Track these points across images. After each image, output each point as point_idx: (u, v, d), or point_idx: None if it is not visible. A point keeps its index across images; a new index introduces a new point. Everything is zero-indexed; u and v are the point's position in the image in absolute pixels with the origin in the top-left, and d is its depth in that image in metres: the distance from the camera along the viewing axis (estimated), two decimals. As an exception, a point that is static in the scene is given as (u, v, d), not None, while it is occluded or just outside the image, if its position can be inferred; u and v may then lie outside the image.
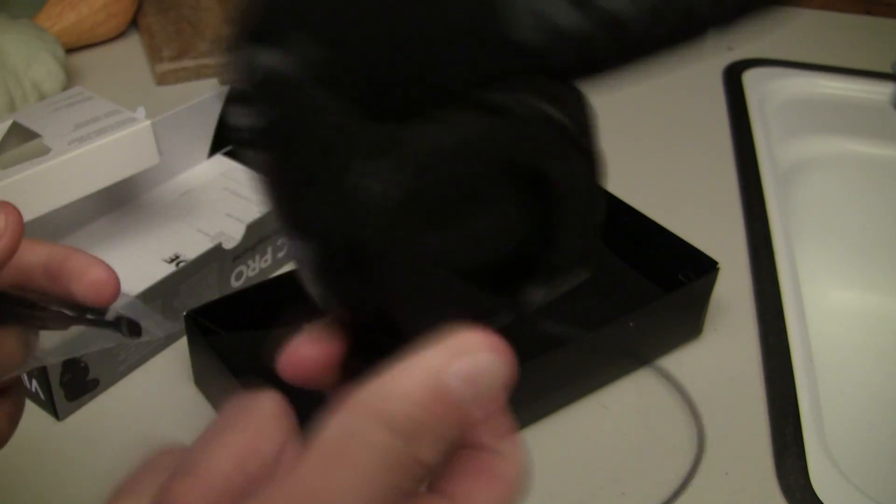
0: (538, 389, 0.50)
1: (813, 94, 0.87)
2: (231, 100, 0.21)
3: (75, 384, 0.50)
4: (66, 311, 0.31)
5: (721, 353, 0.57)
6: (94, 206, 0.62)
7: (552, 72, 0.23)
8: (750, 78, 0.87)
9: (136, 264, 0.59)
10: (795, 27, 0.99)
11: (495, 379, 0.22)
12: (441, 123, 0.22)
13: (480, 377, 0.21)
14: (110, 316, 0.32)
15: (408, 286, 0.22)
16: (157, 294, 0.52)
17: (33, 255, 0.31)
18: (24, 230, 0.30)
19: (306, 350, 0.24)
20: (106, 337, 0.32)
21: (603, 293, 0.57)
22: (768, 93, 0.86)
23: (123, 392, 0.52)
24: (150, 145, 0.56)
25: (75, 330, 0.32)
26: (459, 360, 0.21)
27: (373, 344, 0.24)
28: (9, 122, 0.57)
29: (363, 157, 0.21)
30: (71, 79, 0.81)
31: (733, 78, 0.87)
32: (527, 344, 0.52)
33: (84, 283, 0.30)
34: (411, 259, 0.22)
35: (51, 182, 0.52)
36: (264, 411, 0.22)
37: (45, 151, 0.53)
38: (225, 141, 0.70)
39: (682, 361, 0.56)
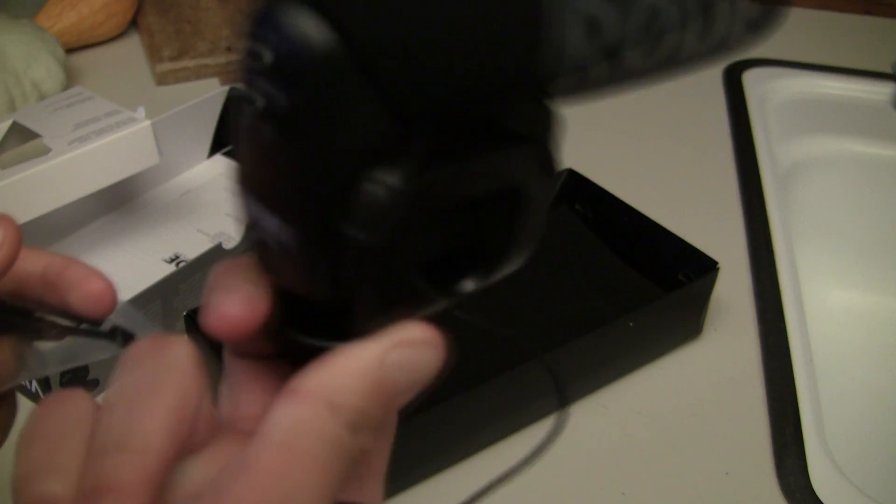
0: (539, 389, 0.50)
1: (813, 94, 0.87)
2: (252, 64, 0.21)
3: (75, 384, 0.50)
4: (62, 321, 0.31)
5: (721, 353, 0.57)
6: (94, 206, 0.62)
7: (544, 93, 0.24)
8: (750, 78, 0.87)
9: (136, 264, 0.59)
10: (795, 27, 0.99)
11: (428, 368, 0.23)
12: (454, 141, 0.22)
13: (416, 368, 0.22)
14: (106, 326, 0.31)
15: (378, 283, 0.23)
16: (157, 294, 0.52)
17: (31, 263, 0.31)
18: (22, 241, 0.30)
19: (235, 308, 0.24)
20: (101, 348, 0.32)
21: (603, 293, 0.58)
22: (768, 93, 0.86)
23: (123, 392, 0.52)
24: (150, 145, 0.56)
25: (69, 341, 0.31)
26: (398, 350, 0.22)
27: (306, 319, 0.24)
28: (9, 122, 0.57)
29: (381, 166, 0.21)
30: (71, 79, 0.81)
31: (733, 78, 0.87)
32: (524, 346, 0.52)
33: (81, 294, 0.30)
34: (385, 259, 0.22)
35: (51, 182, 0.52)
36: (184, 365, 0.22)
37: (45, 151, 0.53)
38: (225, 140, 0.70)
39: (682, 361, 0.56)
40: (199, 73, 0.84)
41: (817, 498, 0.47)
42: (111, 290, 0.30)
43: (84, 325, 0.31)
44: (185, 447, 0.21)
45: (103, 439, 0.20)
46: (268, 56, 0.20)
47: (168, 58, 0.84)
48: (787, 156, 0.80)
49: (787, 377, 0.54)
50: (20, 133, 0.56)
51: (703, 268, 0.55)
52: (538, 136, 0.24)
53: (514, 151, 0.24)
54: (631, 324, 0.51)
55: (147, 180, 0.65)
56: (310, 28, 0.19)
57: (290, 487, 0.20)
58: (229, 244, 0.56)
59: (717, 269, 0.55)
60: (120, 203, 0.64)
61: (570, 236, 0.62)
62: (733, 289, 0.61)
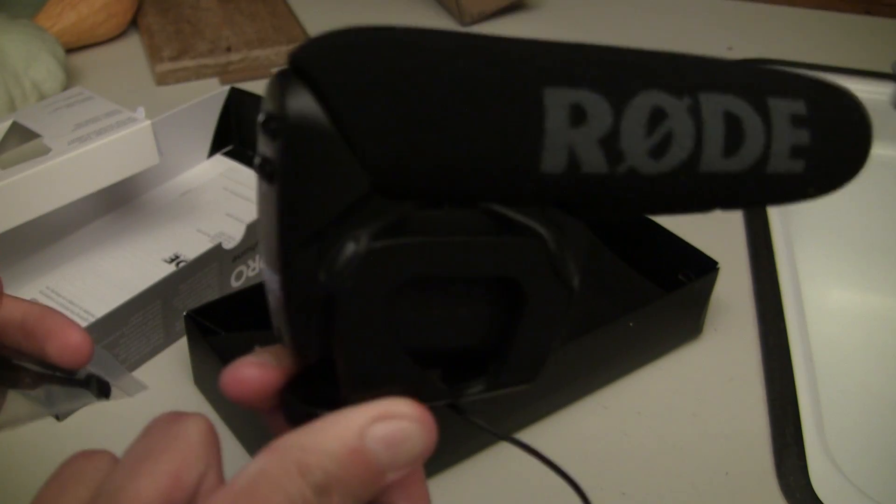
0: (538, 389, 0.50)
1: (813, 94, 0.87)
2: (265, 124, 0.23)
3: (70, 375, 0.50)
4: (38, 369, 0.31)
5: (721, 353, 0.57)
6: (94, 206, 0.62)
7: (566, 204, 0.25)
8: (750, 78, 0.87)
9: (136, 264, 0.59)
10: (795, 27, 0.99)
11: (415, 447, 0.23)
12: (448, 221, 0.23)
13: (400, 443, 0.23)
14: (81, 374, 0.32)
15: (359, 349, 0.23)
16: (157, 294, 0.52)
17: (9, 311, 0.31)
18: (3, 291, 0.31)
19: (249, 371, 0.25)
20: (76, 396, 0.32)
21: (603, 293, 0.58)
22: (768, 93, 0.86)
23: (123, 392, 0.52)
24: (150, 145, 0.56)
25: (44, 390, 0.32)
26: (383, 423, 0.22)
27: (312, 387, 0.25)
28: (9, 122, 0.57)
29: (370, 230, 0.22)
30: (71, 79, 0.81)
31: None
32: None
33: (58, 344, 0.31)
34: (373, 327, 0.23)
35: (51, 182, 0.52)
36: (191, 437, 0.23)
37: (45, 151, 0.53)
38: (225, 141, 0.70)
39: (682, 361, 0.56)
40: (199, 73, 0.84)
41: (817, 498, 0.47)
42: (87, 342, 0.31)
43: (59, 374, 0.31)
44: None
45: (104, 490, 0.22)
46: (262, 117, 0.23)
47: (168, 58, 0.84)
48: (787, 156, 0.80)
49: (787, 377, 0.54)
50: (20, 133, 0.56)
51: (703, 268, 0.55)
52: (539, 233, 0.24)
53: (501, 241, 0.24)
54: (631, 324, 0.51)
55: (147, 180, 0.65)
56: (295, 96, 0.21)
57: None
58: (229, 244, 0.56)
59: (717, 269, 0.55)
60: (120, 203, 0.64)
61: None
62: (733, 289, 0.61)
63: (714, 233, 0.65)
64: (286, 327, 0.24)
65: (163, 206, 0.65)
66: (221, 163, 0.69)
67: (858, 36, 0.98)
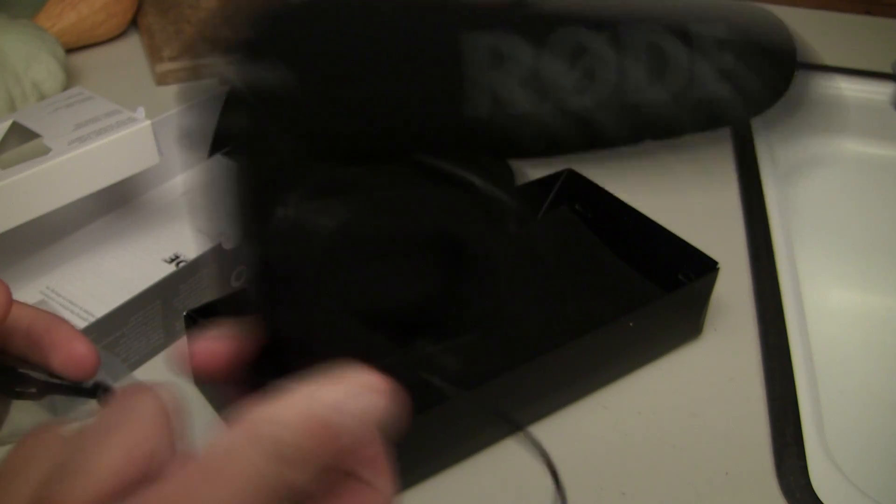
0: (538, 389, 0.50)
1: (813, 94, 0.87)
2: (200, 98, 0.23)
3: (75, 384, 0.50)
4: (43, 378, 0.31)
5: (721, 353, 0.57)
6: (94, 206, 0.62)
7: (493, 147, 0.25)
8: (750, 78, 0.87)
9: (136, 264, 0.59)
10: (795, 27, 0.99)
11: (373, 415, 0.23)
12: (378, 177, 0.23)
13: (360, 410, 0.23)
14: (87, 383, 0.32)
15: (310, 316, 0.24)
16: (157, 294, 0.52)
17: (16, 319, 0.31)
18: (12, 300, 0.30)
19: (214, 345, 0.25)
20: (82, 405, 0.32)
21: (603, 293, 0.58)
22: (768, 93, 0.86)
23: (123, 392, 0.52)
24: (150, 145, 0.56)
25: (49, 399, 0.32)
26: (334, 388, 0.23)
27: (276, 358, 0.25)
28: (9, 122, 0.57)
29: (301, 194, 0.22)
30: (71, 79, 0.81)
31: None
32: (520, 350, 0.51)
33: (64, 356, 0.30)
34: (312, 290, 0.23)
35: (51, 182, 0.52)
36: (147, 411, 0.23)
37: (45, 151, 0.53)
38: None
39: (682, 361, 0.56)
40: (199, 74, 0.84)
41: (817, 498, 0.47)
42: (94, 354, 0.31)
43: (65, 383, 0.31)
44: (146, 479, 0.22)
45: (58, 469, 0.22)
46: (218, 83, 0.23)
47: (168, 58, 0.84)
48: (787, 156, 0.80)
49: (787, 377, 0.54)
50: (20, 133, 0.56)
51: (703, 268, 0.55)
52: (470, 181, 0.24)
53: (432, 192, 0.24)
54: (631, 324, 0.51)
55: (147, 180, 0.65)
56: (216, 67, 0.22)
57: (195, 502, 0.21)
58: (229, 244, 0.56)
59: (717, 269, 0.55)
60: (120, 203, 0.64)
61: (570, 236, 0.62)
62: (733, 289, 0.61)
63: (714, 233, 0.65)
64: (255, 298, 0.24)
65: (163, 206, 0.65)
66: (221, 163, 0.69)
67: (858, 36, 0.98)
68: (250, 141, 0.22)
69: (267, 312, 0.24)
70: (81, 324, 0.50)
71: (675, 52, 0.26)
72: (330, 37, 0.22)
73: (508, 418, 0.28)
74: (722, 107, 0.27)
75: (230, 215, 0.23)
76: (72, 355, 0.30)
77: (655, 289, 0.58)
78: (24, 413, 0.32)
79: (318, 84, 0.22)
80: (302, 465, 0.22)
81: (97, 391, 0.32)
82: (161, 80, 0.84)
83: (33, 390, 0.31)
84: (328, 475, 0.25)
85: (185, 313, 0.49)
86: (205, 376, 0.26)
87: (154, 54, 0.85)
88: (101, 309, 0.51)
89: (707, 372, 0.55)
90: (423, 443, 0.47)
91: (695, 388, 0.54)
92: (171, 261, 0.59)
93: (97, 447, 0.22)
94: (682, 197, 0.72)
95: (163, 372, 0.53)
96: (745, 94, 0.27)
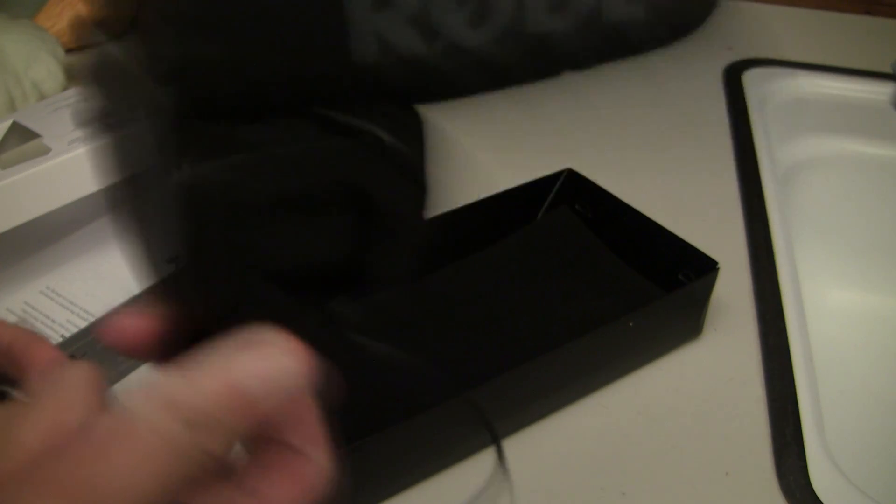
0: (538, 389, 0.50)
1: (813, 94, 0.87)
2: (86, 76, 0.22)
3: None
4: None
5: (721, 353, 0.57)
6: (94, 206, 0.62)
7: (394, 93, 0.24)
8: (750, 78, 0.87)
9: (136, 264, 0.59)
10: (795, 27, 0.99)
11: (290, 379, 0.23)
12: (273, 133, 0.22)
13: (274, 377, 0.22)
14: None
15: (217, 282, 0.23)
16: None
17: None
18: None
19: (129, 321, 0.25)
20: None
21: (603, 293, 0.58)
22: (768, 93, 0.86)
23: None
24: (150, 145, 0.56)
25: None
26: (248, 353, 0.22)
27: (187, 330, 0.25)
28: (9, 122, 0.57)
29: (193, 157, 0.21)
30: (71, 79, 0.81)
31: (733, 78, 0.87)
32: (521, 347, 0.51)
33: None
34: (224, 257, 0.23)
35: (51, 182, 0.52)
36: (73, 381, 0.23)
37: (45, 151, 0.53)
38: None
39: (682, 361, 0.56)
40: (199, 73, 0.84)
41: (817, 498, 0.47)
42: None
43: None
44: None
45: None
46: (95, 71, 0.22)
47: (168, 58, 0.84)
48: (787, 156, 0.80)
49: (787, 377, 0.54)
50: (20, 133, 0.56)
51: (703, 268, 0.55)
52: (367, 129, 0.23)
53: (329, 144, 0.23)
54: (631, 324, 0.51)
55: (147, 180, 0.65)
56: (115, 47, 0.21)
57: (106, 468, 0.20)
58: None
59: (717, 269, 0.55)
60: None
61: (570, 236, 0.62)
62: (733, 289, 0.61)
63: (714, 233, 0.65)
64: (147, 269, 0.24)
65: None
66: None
67: (858, 36, 0.98)
68: (130, 110, 0.21)
69: (176, 284, 0.23)
70: (81, 324, 0.50)
71: None
72: None
73: (448, 387, 0.27)
74: (641, 29, 0.26)
75: (125, 191, 0.22)
76: None
77: (655, 289, 0.58)
78: None
79: (195, 40, 0.21)
80: (218, 433, 0.22)
81: None
82: (161, 80, 0.83)
83: None
84: (259, 444, 0.25)
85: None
86: (124, 353, 0.26)
87: None
88: (101, 309, 0.51)
89: (707, 372, 0.55)
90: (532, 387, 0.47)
91: (695, 388, 0.54)
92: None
93: (25, 417, 0.22)
94: (682, 197, 0.72)
95: (163, 372, 0.53)
96: (664, 12, 0.26)
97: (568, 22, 0.24)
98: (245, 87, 0.22)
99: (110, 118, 0.21)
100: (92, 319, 0.50)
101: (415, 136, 0.24)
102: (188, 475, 0.22)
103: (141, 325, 0.25)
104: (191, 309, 0.24)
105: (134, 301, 0.26)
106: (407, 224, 0.25)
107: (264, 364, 0.22)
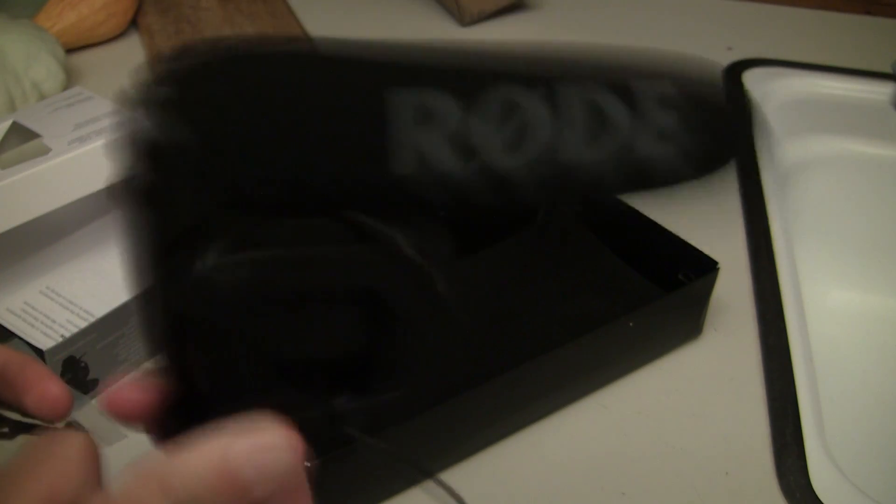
0: (538, 389, 0.50)
1: (813, 94, 0.87)
2: (123, 144, 0.22)
3: (75, 384, 0.50)
4: (17, 418, 0.31)
5: (721, 353, 0.57)
6: (94, 206, 0.62)
7: (424, 204, 0.24)
8: (750, 78, 0.87)
9: (136, 264, 0.59)
10: (795, 27, 0.99)
11: (280, 462, 0.23)
12: (300, 232, 0.23)
13: (264, 459, 0.23)
14: (60, 424, 0.32)
15: (226, 368, 0.23)
16: (157, 294, 0.52)
17: None
18: None
19: (129, 392, 0.26)
20: None
21: (603, 293, 0.58)
22: (768, 93, 0.86)
23: (123, 392, 0.52)
24: (150, 145, 0.56)
25: (22, 438, 0.32)
26: (245, 440, 0.23)
27: (186, 407, 0.25)
28: (9, 122, 0.57)
29: (220, 248, 0.22)
30: (71, 79, 0.81)
31: (733, 78, 0.87)
32: (523, 345, 0.52)
33: (37, 396, 0.30)
34: (228, 344, 0.23)
35: (51, 182, 0.52)
36: (68, 453, 0.23)
37: (45, 151, 0.53)
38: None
39: (682, 361, 0.56)
40: (199, 73, 0.84)
41: (817, 498, 0.47)
42: (66, 395, 0.31)
43: (39, 422, 0.31)
44: None
45: None
46: (125, 136, 0.23)
47: (168, 58, 0.84)
48: (786, 156, 0.80)
49: (787, 377, 0.54)
50: (20, 133, 0.56)
51: (703, 268, 0.55)
52: (394, 238, 0.24)
53: (354, 249, 0.24)
54: (631, 324, 0.51)
55: (147, 180, 0.65)
56: (148, 112, 0.21)
57: None
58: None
59: (717, 269, 0.55)
60: (120, 203, 0.64)
61: (570, 236, 0.62)
62: (733, 289, 0.61)
63: (714, 233, 0.65)
64: (157, 349, 0.24)
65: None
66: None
67: (858, 36, 0.98)
68: (161, 193, 0.22)
69: (180, 364, 0.24)
70: (81, 324, 0.50)
71: (614, 111, 0.25)
72: (253, 89, 0.22)
73: (421, 467, 0.27)
74: (669, 167, 0.26)
75: (136, 267, 0.22)
76: (45, 396, 0.30)
77: (655, 289, 0.58)
78: None
79: (238, 137, 0.22)
80: None
81: None
82: (161, 80, 0.84)
83: (6, 430, 0.31)
84: None
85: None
86: (123, 423, 0.26)
87: (154, 54, 0.85)
88: (101, 309, 0.51)
89: (707, 372, 0.55)
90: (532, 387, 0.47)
91: (695, 388, 0.54)
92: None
93: (16, 488, 0.22)
94: (682, 197, 0.71)
95: (163, 372, 0.53)
96: (693, 153, 0.27)
97: (600, 154, 0.25)
98: (280, 185, 0.22)
99: (141, 185, 0.22)
100: (92, 319, 0.50)
101: (439, 250, 0.24)
102: None
103: (142, 398, 0.26)
104: (195, 390, 0.24)
105: (139, 373, 0.27)
106: (418, 333, 0.25)
107: (260, 450, 0.23)
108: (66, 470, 0.22)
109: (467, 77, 0.24)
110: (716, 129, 0.27)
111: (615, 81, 0.25)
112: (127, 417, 0.26)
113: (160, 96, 0.21)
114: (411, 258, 0.24)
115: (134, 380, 0.26)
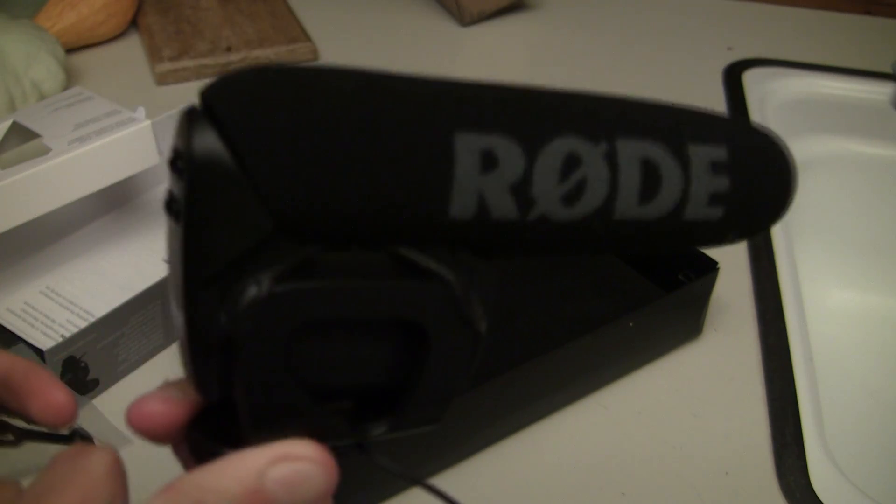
0: (538, 389, 0.50)
1: (813, 94, 0.87)
2: (172, 162, 0.22)
3: (75, 384, 0.50)
4: (21, 425, 0.31)
5: (721, 353, 0.57)
6: (94, 206, 0.62)
7: (476, 246, 0.24)
8: (750, 78, 0.87)
9: (136, 264, 0.59)
10: (795, 27, 0.99)
11: (313, 487, 0.23)
12: (353, 264, 0.23)
13: (299, 484, 0.23)
14: (65, 431, 0.31)
15: (259, 390, 0.23)
16: (157, 294, 0.52)
17: None
18: None
19: (154, 406, 0.25)
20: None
21: (603, 293, 0.58)
22: (768, 93, 0.86)
23: (124, 392, 0.52)
24: (150, 145, 0.56)
25: (27, 445, 0.31)
26: (282, 464, 0.22)
27: (217, 422, 0.25)
28: (9, 122, 0.57)
29: (274, 275, 0.22)
30: (71, 79, 0.81)
31: (733, 78, 0.87)
32: (524, 343, 0.52)
33: (42, 404, 0.30)
34: (272, 369, 0.23)
35: (51, 182, 0.52)
36: (96, 470, 0.23)
37: (45, 151, 0.53)
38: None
39: (682, 361, 0.56)
40: (199, 73, 0.84)
41: (817, 498, 0.47)
42: (72, 402, 0.30)
43: (43, 429, 0.31)
44: None
45: None
46: (170, 153, 0.22)
47: (168, 58, 0.84)
48: (787, 156, 0.80)
49: (787, 377, 0.54)
50: (20, 133, 0.56)
51: (703, 268, 0.55)
52: (446, 277, 0.24)
53: (406, 285, 0.24)
54: (631, 324, 0.51)
55: (147, 180, 0.65)
56: (202, 135, 0.21)
57: None
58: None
59: (717, 269, 0.55)
60: (120, 203, 0.64)
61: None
62: (733, 289, 0.61)
63: (714, 233, 0.65)
64: (188, 366, 0.24)
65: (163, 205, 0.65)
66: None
67: (858, 36, 0.98)
68: (218, 213, 0.22)
69: (215, 381, 0.23)
70: (81, 324, 0.50)
71: (671, 172, 0.25)
72: (321, 118, 0.22)
73: (446, 496, 0.27)
74: (714, 229, 0.27)
75: (187, 286, 0.22)
76: (50, 402, 0.30)
77: (655, 289, 0.58)
78: (2, 461, 0.31)
79: (300, 162, 0.22)
80: None
81: (74, 438, 0.32)
82: (161, 80, 0.84)
83: (11, 438, 0.31)
84: None
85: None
86: (146, 437, 0.26)
87: (154, 54, 0.85)
88: (101, 309, 0.51)
89: (707, 372, 0.55)
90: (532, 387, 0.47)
91: (695, 388, 0.54)
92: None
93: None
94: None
95: (163, 372, 0.53)
96: (739, 218, 0.27)
97: (651, 214, 0.25)
98: (338, 215, 0.22)
99: (192, 208, 0.22)
100: (92, 319, 0.50)
101: (485, 287, 0.25)
102: None
103: (169, 411, 0.25)
104: (232, 411, 0.24)
105: (163, 385, 0.26)
106: (452, 366, 0.25)
107: (294, 474, 0.23)
108: (94, 487, 0.22)
109: (533, 123, 0.24)
110: (763, 197, 0.28)
111: (674, 141, 0.25)
112: (152, 432, 0.25)
113: (221, 116, 0.21)
114: (459, 300, 0.24)
115: (160, 392, 0.26)
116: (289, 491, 0.22)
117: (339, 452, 0.24)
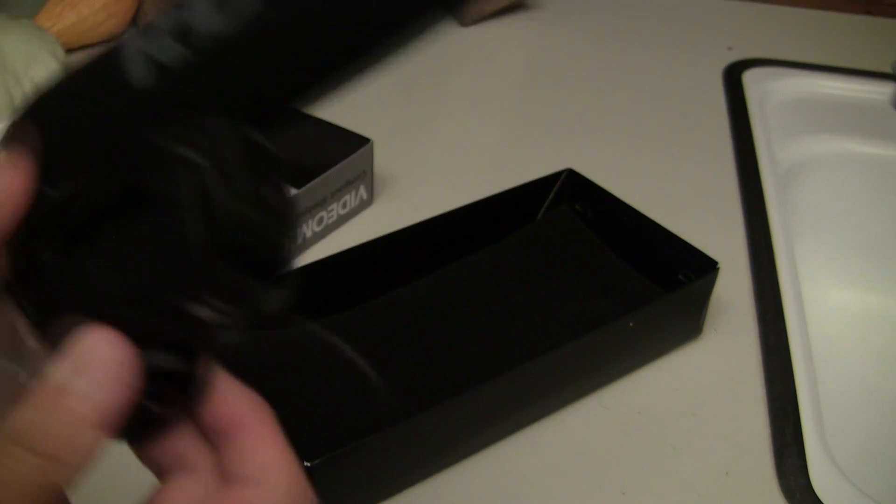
0: (539, 389, 0.50)
1: (813, 94, 0.87)
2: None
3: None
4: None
5: (721, 353, 0.57)
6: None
7: (186, 102, 0.24)
8: (750, 78, 0.87)
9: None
10: (795, 27, 0.99)
11: (106, 368, 0.23)
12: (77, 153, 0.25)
13: (89, 366, 0.23)
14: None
15: (57, 301, 0.24)
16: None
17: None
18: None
19: None
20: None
21: (603, 293, 0.58)
22: (768, 93, 0.86)
23: (123, 392, 0.52)
24: (150, 145, 0.56)
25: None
26: (69, 355, 0.23)
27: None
28: (9, 123, 0.56)
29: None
30: (71, 79, 0.80)
31: (733, 78, 0.87)
32: (527, 342, 0.52)
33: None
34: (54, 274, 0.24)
35: (51, 182, 0.52)
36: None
37: (45, 151, 0.53)
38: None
39: (682, 361, 0.56)
40: (199, 73, 0.84)
41: (817, 498, 0.47)
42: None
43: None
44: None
45: None
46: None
47: (168, 58, 0.84)
48: (787, 156, 0.80)
49: (787, 377, 0.54)
50: (20, 133, 0.56)
51: (703, 268, 0.55)
52: (190, 157, 0.24)
53: (126, 155, 0.24)
54: (631, 324, 0.51)
55: (147, 180, 0.65)
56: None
57: None
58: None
59: (717, 269, 0.55)
60: (120, 203, 0.64)
61: (570, 236, 0.62)
62: (733, 289, 0.61)
63: (714, 233, 0.65)
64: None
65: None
66: None
67: (858, 36, 0.98)
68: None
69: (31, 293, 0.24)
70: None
71: None
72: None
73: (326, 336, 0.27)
74: None
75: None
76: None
77: (655, 289, 0.58)
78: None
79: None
80: (56, 437, 0.22)
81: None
82: (161, 80, 0.84)
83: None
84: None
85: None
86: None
87: (154, 54, 0.85)
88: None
89: (707, 372, 0.55)
90: (532, 386, 0.47)
91: (695, 388, 0.54)
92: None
93: None
94: (682, 197, 0.72)
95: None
96: None
97: None
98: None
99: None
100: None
101: (215, 141, 0.24)
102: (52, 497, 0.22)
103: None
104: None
105: None
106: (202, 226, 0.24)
107: (76, 356, 0.23)
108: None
109: None
110: None
111: None
112: None
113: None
114: (179, 153, 0.23)
115: None
116: (79, 375, 0.23)
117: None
